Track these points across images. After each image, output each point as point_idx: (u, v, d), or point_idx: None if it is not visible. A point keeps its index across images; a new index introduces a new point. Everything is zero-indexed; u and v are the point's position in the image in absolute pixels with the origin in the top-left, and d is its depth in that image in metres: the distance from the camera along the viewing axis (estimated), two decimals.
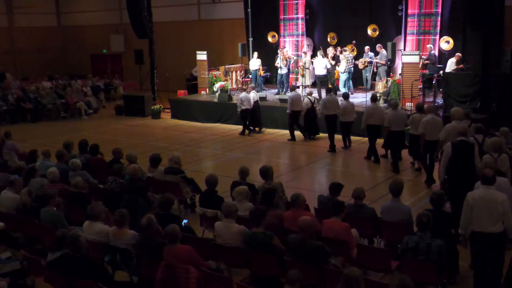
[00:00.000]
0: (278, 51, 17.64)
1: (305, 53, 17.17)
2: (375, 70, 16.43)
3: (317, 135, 14.08)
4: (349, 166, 12.13)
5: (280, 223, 6.38)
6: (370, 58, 16.35)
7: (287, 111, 13.80)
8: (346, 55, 16.06)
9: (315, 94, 16.20)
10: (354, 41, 16.83)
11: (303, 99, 13.95)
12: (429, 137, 9.49)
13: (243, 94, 14.84)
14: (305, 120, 13.95)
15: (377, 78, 16.38)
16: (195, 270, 5.16)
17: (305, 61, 16.64)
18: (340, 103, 12.67)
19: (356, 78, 17.30)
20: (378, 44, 16.33)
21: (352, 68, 16.37)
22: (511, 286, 5.55)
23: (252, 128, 15.13)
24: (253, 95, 14.73)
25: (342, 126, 12.71)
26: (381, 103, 14.04)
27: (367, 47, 16.52)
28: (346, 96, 12.82)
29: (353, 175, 11.38)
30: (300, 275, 4.59)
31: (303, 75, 16.57)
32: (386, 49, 15.67)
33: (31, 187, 7.58)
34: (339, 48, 16.67)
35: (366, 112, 11.81)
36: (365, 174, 11.22)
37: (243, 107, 14.49)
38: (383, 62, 15.96)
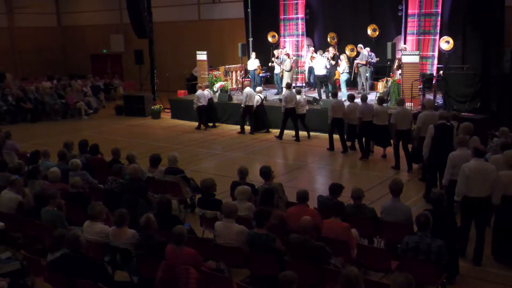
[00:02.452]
0: (275, 52, 17.65)
1: (287, 54, 17.17)
2: (356, 70, 16.50)
3: (264, 130, 15.20)
4: (349, 166, 12.13)
5: (280, 223, 6.38)
6: (370, 58, 16.34)
7: (242, 105, 15.06)
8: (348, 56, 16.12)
9: (315, 94, 16.25)
10: (360, 45, 16.56)
11: (254, 96, 14.97)
12: (400, 127, 10.80)
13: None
14: (255, 116, 15.00)
15: (358, 78, 16.48)
16: (195, 270, 5.16)
17: (284, 63, 16.78)
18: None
19: (356, 79, 17.28)
20: (359, 45, 16.39)
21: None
22: (498, 238, 6.76)
23: (212, 124, 16.22)
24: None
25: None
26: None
27: (367, 48, 16.50)
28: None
29: (353, 175, 11.39)
30: (294, 276, 4.55)
31: (282, 77, 16.92)
32: (386, 49, 15.69)
33: (31, 189, 7.56)
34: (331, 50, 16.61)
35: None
36: (365, 174, 11.21)
37: (199, 104, 15.66)
38: (364, 62, 16.00)
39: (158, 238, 5.67)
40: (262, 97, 15.32)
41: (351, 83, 16.83)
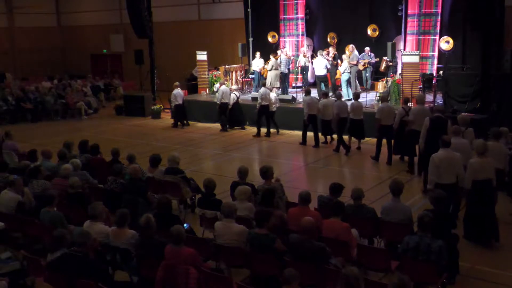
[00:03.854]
0: (278, 51, 17.64)
1: (275, 55, 17.22)
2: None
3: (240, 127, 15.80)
4: (349, 166, 12.13)
5: (281, 223, 6.38)
6: (370, 58, 16.35)
7: (218, 102, 15.62)
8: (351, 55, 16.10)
9: (315, 94, 16.20)
10: (352, 45, 16.43)
11: (230, 95, 15.52)
12: (384, 122, 11.28)
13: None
14: (230, 113, 15.52)
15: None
16: (195, 270, 5.16)
17: (272, 65, 16.87)
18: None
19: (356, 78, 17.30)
20: (351, 45, 16.39)
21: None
22: (470, 218, 7.38)
23: (185, 122, 16.79)
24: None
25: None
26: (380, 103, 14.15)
27: (367, 48, 16.51)
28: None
29: (353, 175, 11.39)
30: (296, 274, 4.56)
31: (265, 77, 17.06)
32: (386, 49, 15.70)
33: (31, 189, 7.56)
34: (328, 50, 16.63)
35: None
36: (365, 174, 11.22)
37: (176, 103, 16.42)
38: (354, 62, 16.03)
39: (158, 238, 5.67)
40: (238, 95, 15.87)
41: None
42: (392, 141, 11.49)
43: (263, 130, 14.85)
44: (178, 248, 5.36)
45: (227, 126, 15.75)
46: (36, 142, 13.66)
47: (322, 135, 13.44)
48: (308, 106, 13.15)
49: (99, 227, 6.05)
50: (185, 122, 16.79)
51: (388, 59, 15.92)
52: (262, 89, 14.47)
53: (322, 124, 13.19)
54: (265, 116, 14.72)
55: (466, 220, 7.46)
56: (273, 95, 14.88)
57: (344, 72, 15.95)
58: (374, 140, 12.15)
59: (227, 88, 15.79)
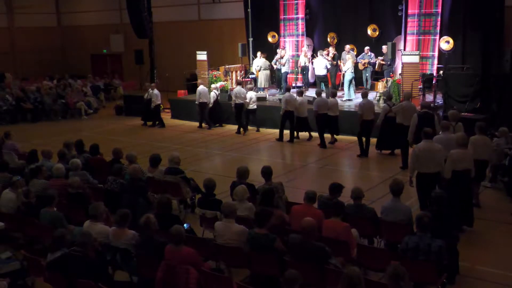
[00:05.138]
0: (278, 51, 17.65)
1: (263, 55, 17.31)
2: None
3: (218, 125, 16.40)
4: (349, 166, 12.14)
5: (281, 223, 6.39)
6: (370, 58, 16.35)
7: (196, 102, 16.18)
8: (352, 55, 16.12)
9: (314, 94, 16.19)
10: (367, 47, 16.54)
11: (210, 93, 16.05)
12: (365, 117, 12.09)
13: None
14: (210, 112, 16.11)
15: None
16: (195, 270, 5.16)
17: (259, 65, 16.92)
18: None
19: (356, 78, 17.27)
20: (346, 46, 16.45)
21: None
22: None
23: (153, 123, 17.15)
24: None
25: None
26: (381, 103, 14.25)
27: (367, 48, 16.52)
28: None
29: (353, 175, 11.39)
30: (298, 276, 4.52)
31: (257, 77, 17.32)
32: (387, 49, 15.71)
33: (30, 188, 7.57)
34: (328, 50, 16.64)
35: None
36: (365, 174, 11.22)
37: (157, 102, 16.97)
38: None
39: (158, 238, 5.67)
40: (217, 93, 16.31)
41: (357, 82, 16.90)
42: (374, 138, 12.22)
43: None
44: (178, 248, 5.36)
45: (204, 123, 16.29)
46: (36, 142, 13.65)
47: (295, 131, 14.08)
48: (286, 102, 13.66)
49: (99, 227, 6.05)
50: (157, 122, 17.08)
51: (381, 58, 15.96)
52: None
53: (297, 121, 13.82)
54: (240, 113, 15.15)
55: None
56: (251, 93, 15.16)
57: (346, 71, 15.94)
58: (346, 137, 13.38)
59: (204, 88, 16.24)
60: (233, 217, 6.07)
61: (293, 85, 18.12)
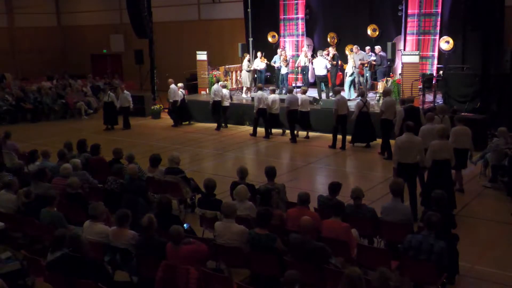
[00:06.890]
0: (278, 51, 17.64)
1: (257, 54, 17.38)
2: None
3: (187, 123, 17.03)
4: (349, 166, 12.14)
5: (281, 223, 6.38)
6: (370, 58, 16.33)
7: (170, 100, 16.83)
8: (354, 56, 16.11)
9: (315, 94, 16.21)
10: (367, 47, 16.51)
11: (178, 93, 16.65)
12: (340, 112, 12.81)
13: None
14: (180, 110, 16.69)
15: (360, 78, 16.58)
16: (195, 270, 5.16)
17: (247, 65, 17.01)
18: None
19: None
20: (352, 47, 16.45)
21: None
22: (426, 194, 7.87)
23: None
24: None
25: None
26: (381, 103, 14.21)
27: (367, 48, 16.51)
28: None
29: (353, 175, 11.39)
30: (298, 276, 4.53)
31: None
32: (386, 49, 15.69)
33: (32, 188, 7.55)
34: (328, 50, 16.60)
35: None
36: (365, 174, 11.21)
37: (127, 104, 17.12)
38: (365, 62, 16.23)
39: (158, 238, 5.67)
40: (184, 92, 17.20)
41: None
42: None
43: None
44: (179, 247, 5.36)
45: (178, 121, 16.96)
46: (36, 142, 13.66)
47: (267, 127, 14.69)
48: (258, 101, 14.48)
49: (99, 227, 6.05)
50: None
51: (373, 59, 16.03)
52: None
53: (269, 117, 14.55)
54: (217, 110, 15.79)
55: (424, 192, 8.35)
56: (225, 91, 15.89)
57: (349, 71, 15.92)
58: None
59: (175, 87, 16.80)
60: (233, 217, 6.06)
61: (293, 85, 18.12)
